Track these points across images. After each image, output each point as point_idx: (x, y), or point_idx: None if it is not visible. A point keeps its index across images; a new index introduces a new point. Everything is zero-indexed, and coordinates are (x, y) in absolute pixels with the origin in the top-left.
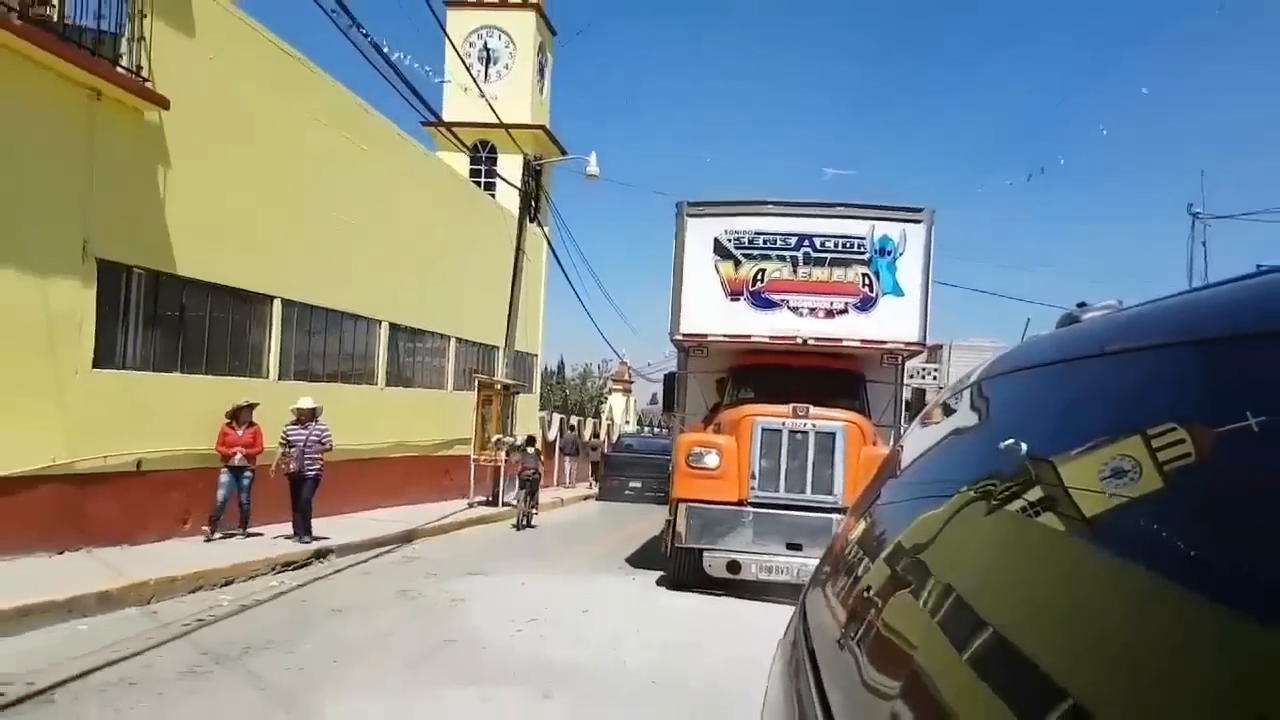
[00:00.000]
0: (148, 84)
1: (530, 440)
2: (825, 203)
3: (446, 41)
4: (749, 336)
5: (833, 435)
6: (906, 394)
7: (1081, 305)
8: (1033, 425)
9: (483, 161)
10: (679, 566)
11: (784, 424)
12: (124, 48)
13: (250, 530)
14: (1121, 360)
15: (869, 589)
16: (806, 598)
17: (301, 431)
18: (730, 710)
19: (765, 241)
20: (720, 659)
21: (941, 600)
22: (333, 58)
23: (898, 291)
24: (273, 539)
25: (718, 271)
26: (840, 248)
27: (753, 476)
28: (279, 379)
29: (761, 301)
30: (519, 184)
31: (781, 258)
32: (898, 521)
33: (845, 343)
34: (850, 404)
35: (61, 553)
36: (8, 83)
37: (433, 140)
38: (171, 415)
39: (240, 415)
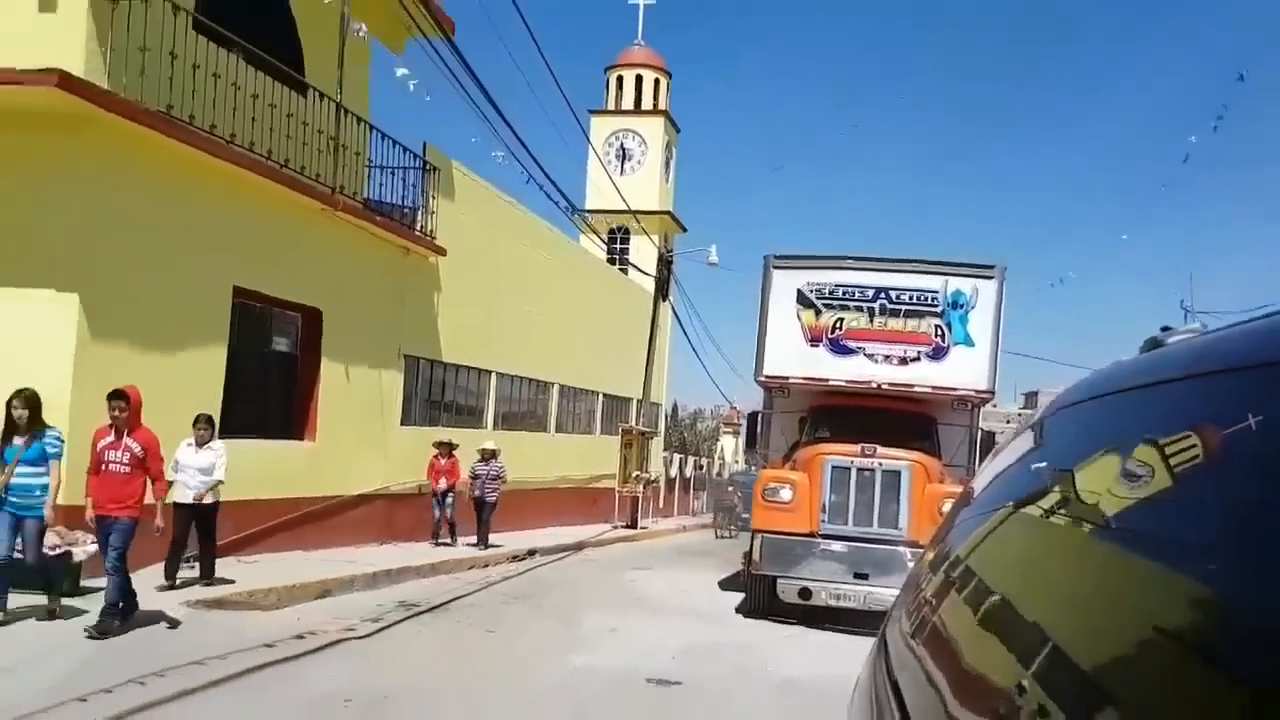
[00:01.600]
0: (435, 240)
1: (731, 479)
2: (902, 259)
3: (590, 147)
4: (826, 380)
5: (898, 474)
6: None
7: (1166, 329)
8: (1110, 445)
9: (617, 243)
10: (755, 591)
11: (853, 462)
12: (420, 218)
13: (448, 540)
14: (1205, 383)
15: (930, 597)
16: (886, 630)
17: (484, 467)
18: (806, 637)
19: (844, 293)
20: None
21: (982, 599)
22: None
23: (969, 342)
24: (464, 545)
25: (799, 319)
26: (915, 300)
27: (823, 510)
28: (493, 429)
29: (839, 348)
30: (653, 271)
31: (859, 308)
32: (960, 541)
33: (917, 388)
34: (921, 445)
35: (382, 544)
36: (360, 248)
37: (576, 228)
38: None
39: (442, 449)
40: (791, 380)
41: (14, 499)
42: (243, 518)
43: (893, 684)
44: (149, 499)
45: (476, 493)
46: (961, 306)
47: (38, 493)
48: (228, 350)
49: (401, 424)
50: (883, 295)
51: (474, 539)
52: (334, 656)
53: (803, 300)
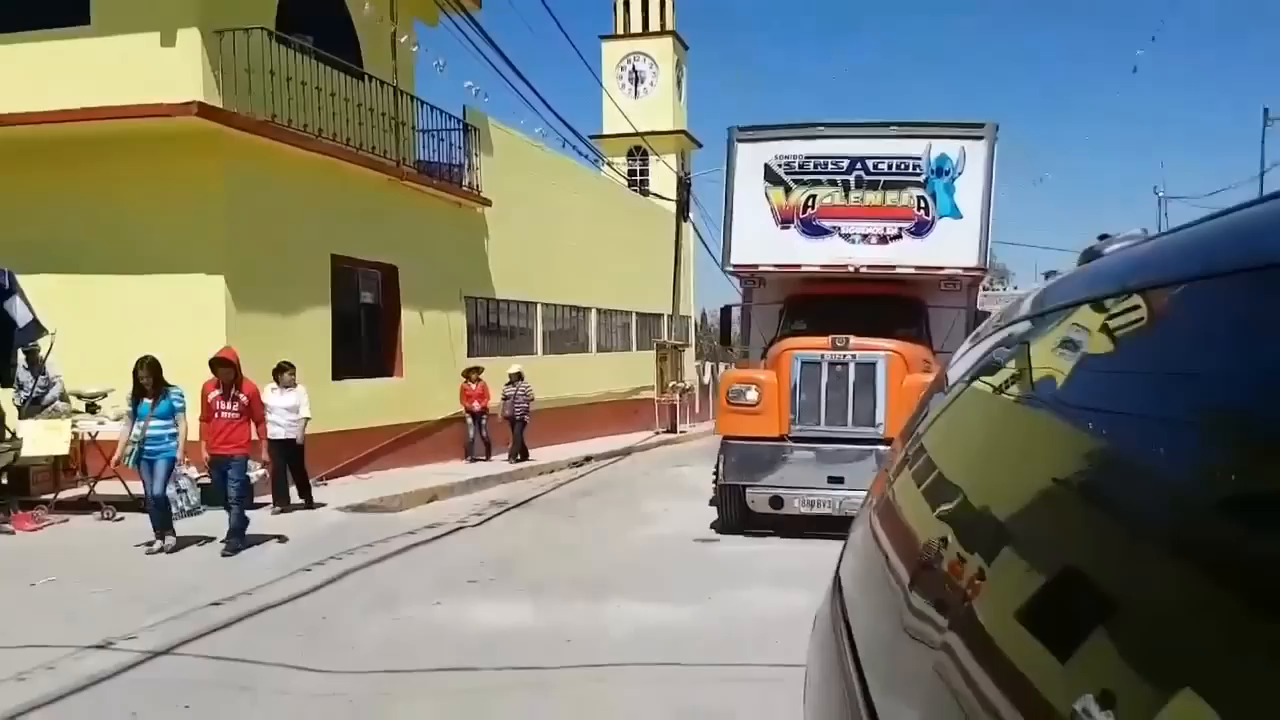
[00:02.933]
0: (480, 194)
1: None
2: (879, 122)
3: (602, 73)
4: (799, 266)
5: (873, 365)
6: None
7: (1104, 237)
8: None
9: (637, 164)
10: (726, 504)
11: (823, 356)
12: (466, 175)
13: (483, 457)
14: (1138, 299)
15: (890, 476)
16: (840, 569)
17: (512, 389)
18: None
19: (816, 166)
20: None
21: (927, 471)
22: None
23: (955, 214)
24: (500, 461)
25: (768, 199)
26: (894, 169)
27: (793, 411)
28: (542, 354)
29: (812, 229)
30: (674, 195)
31: (833, 182)
32: (925, 425)
33: (899, 269)
34: (907, 332)
35: (461, 460)
36: (421, 208)
37: (598, 157)
38: (495, 380)
39: (470, 375)
40: (762, 268)
41: (148, 447)
42: (357, 443)
43: (846, 625)
44: (254, 438)
45: (508, 412)
46: (947, 173)
47: (166, 440)
48: (331, 307)
49: (468, 355)
50: (859, 166)
51: (506, 455)
52: (459, 538)
53: (771, 177)
